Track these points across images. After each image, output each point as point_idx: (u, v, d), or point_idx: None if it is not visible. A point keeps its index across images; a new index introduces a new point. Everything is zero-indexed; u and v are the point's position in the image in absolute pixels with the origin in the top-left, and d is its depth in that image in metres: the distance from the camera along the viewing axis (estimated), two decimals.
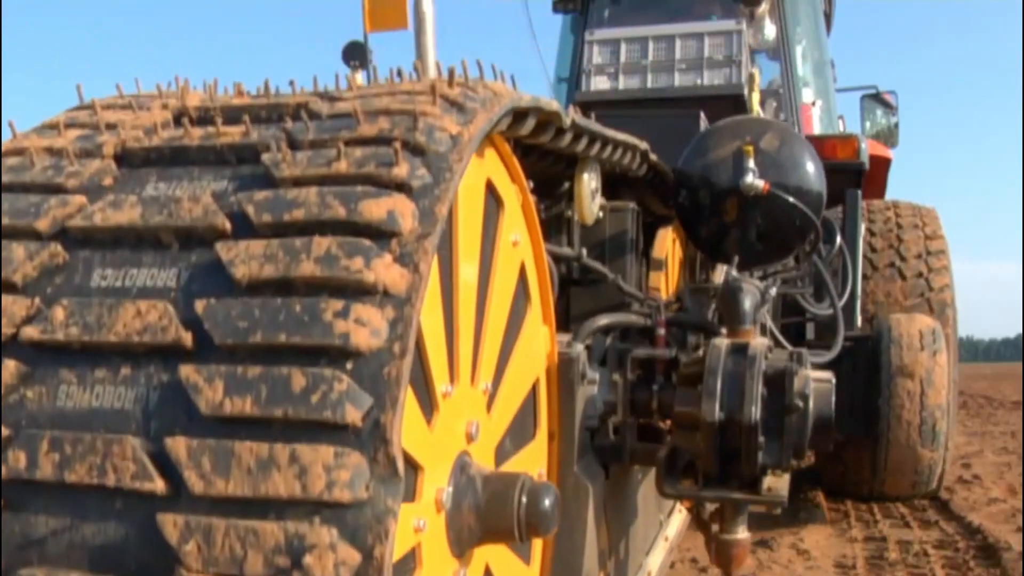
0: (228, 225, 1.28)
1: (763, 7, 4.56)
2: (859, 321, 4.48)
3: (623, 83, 4.31)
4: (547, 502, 1.50)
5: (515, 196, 1.77)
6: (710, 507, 2.32)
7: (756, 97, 3.49)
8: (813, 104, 5.34)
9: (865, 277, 4.71)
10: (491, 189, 1.65)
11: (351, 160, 1.30)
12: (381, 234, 1.22)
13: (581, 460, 1.94)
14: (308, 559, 1.12)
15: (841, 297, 3.97)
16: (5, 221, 1.36)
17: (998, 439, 8.81)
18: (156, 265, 1.30)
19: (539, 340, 1.87)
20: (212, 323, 1.22)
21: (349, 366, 1.17)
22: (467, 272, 1.51)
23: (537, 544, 1.88)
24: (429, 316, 1.37)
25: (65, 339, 1.27)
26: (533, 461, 1.84)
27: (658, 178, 2.62)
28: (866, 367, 4.28)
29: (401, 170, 1.27)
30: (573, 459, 1.86)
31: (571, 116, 1.82)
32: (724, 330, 2.18)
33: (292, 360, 1.19)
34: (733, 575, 2.24)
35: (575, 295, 2.29)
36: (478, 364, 1.59)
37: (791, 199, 2.72)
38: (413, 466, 1.35)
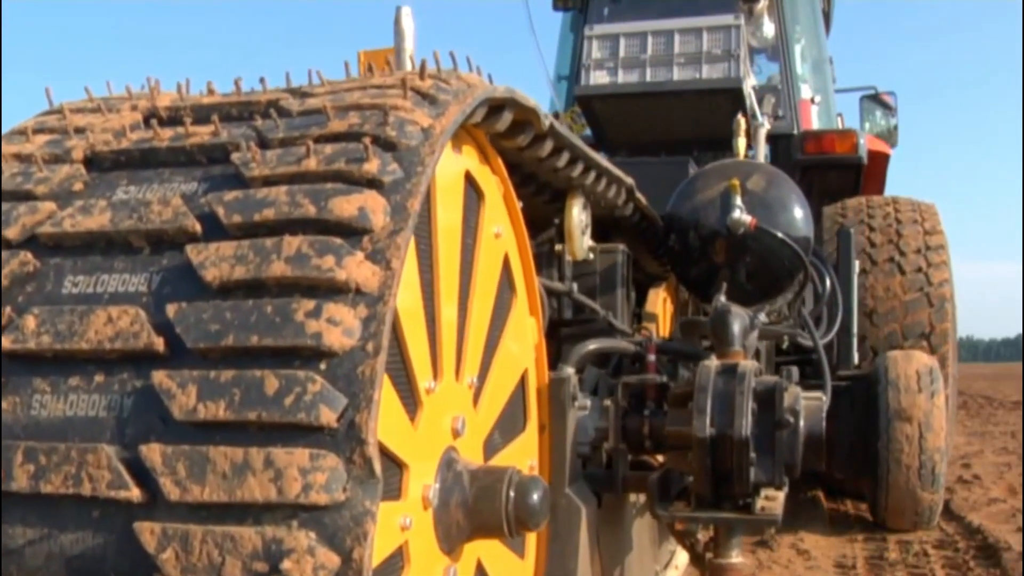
0: (198, 227, 1.26)
1: (762, 4, 4.48)
2: (856, 358, 4.40)
3: (622, 77, 4.27)
4: (536, 496, 1.48)
5: (496, 188, 1.74)
6: (703, 538, 2.28)
7: (742, 142, 3.45)
8: (812, 101, 5.33)
9: (864, 272, 4.66)
10: (471, 182, 1.62)
11: (321, 157, 1.27)
12: (352, 231, 1.20)
13: (573, 484, 1.91)
14: (286, 564, 1.11)
15: (831, 330, 3.97)
16: None
17: (998, 439, 8.80)
18: (127, 270, 1.28)
19: (526, 332, 1.84)
20: (184, 327, 1.19)
21: (323, 366, 1.15)
22: (447, 266, 1.49)
23: (531, 538, 1.85)
24: (409, 312, 1.35)
25: (37, 348, 1.25)
26: (524, 453, 1.81)
27: (645, 221, 2.62)
28: (864, 407, 4.17)
29: (371, 166, 1.25)
30: (565, 481, 1.84)
31: (549, 118, 1.78)
32: (714, 356, 2.16)
33: (265, 362, 1.17)
34: None
35: (566, 337, 2.26)
36: (463, 358, 1.56)
37: (779, 235, 2.73)
38: (397, 464, 1.33)
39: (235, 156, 1.31)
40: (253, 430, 1.15)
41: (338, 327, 1.14)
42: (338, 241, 1.19)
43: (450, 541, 1.47)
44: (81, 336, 1.23)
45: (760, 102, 4.32)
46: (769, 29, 4.72)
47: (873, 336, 4.57)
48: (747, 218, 2.71)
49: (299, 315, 1.16)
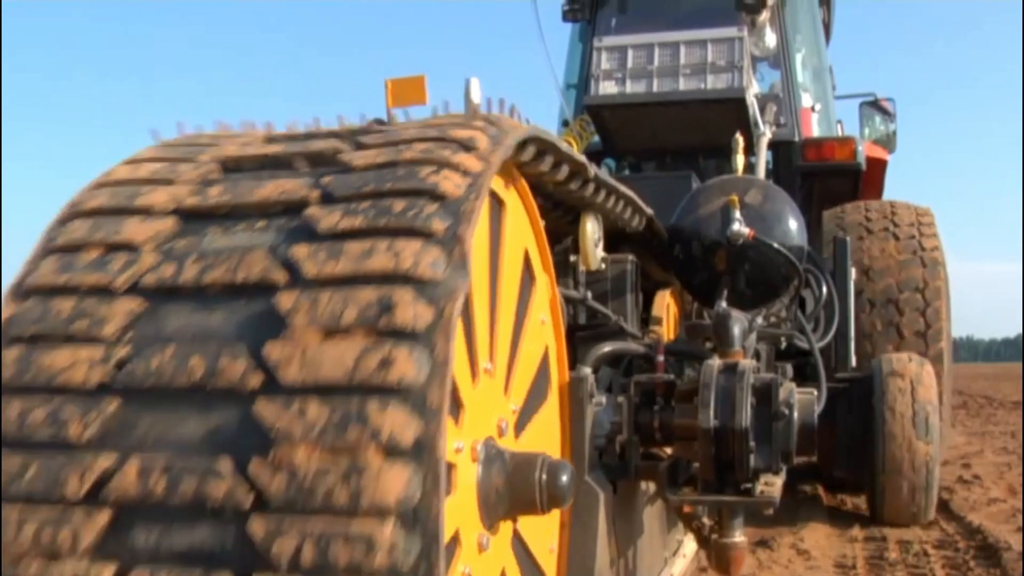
0: (284, 276, 1.35)
1: (764, 16, 4.65)
2: (853, 360, 4.58)
3: (630, 87, 4.41)
4: (565, 477, 1.60)
5: (514, 195, 1.84)
6: (708, 522, 2.46)
7: (740, 159, 3.58)
8: (812, 109, 5.46)
9: (863, 272, 4.85)
10: (494, 196, 1.70)
11: (382, 211, 1.38)
12: (416, 280, 1.31)
13: (591, 472, 2.08)
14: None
15: (828, 333, 4.17)
16: (91, 279, 1.41)
17: (998, 439, 8.81)
18: (224, 313, 1.35)
19: (544, 309, 1.98)
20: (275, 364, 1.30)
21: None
22: (481, 278, 1.59)
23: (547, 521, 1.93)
24: (477, 305, 1.53)
25: (156, 384, 1.30)
26: (550, 420, 1.99)
27: (652, 232, 2.83)
28: (860, 409, 4.39)
29: (431, 220, 1.36)
30: (584, 469, 1.98)
31: (593, 170, 2.05)
32: (716, 356, 2.37)
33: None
34: (729, 566, 2.31)
35: (581, 340, 2.44)
36: (512, 376, 1.74)
37: (775, 245, 2.93)
38: (459, 404, 1.42)
39: (307, 212, 1.42)
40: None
41: (410, 358, 1.26)
42: (407, 296, 1.30)
43: (488, 507, 1.54)
44: (187, 373, 1.31)
45: (762, 110, 4.45)
46: (771, 39, 4.93)
47: (871, 335, 4.77)
48: (745, 230, 2.92)
49: (373, 359, 1.28)
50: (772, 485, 2.28)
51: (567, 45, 5.75)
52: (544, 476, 1.57)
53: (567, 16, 5.49)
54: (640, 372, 2.48)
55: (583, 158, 2.04)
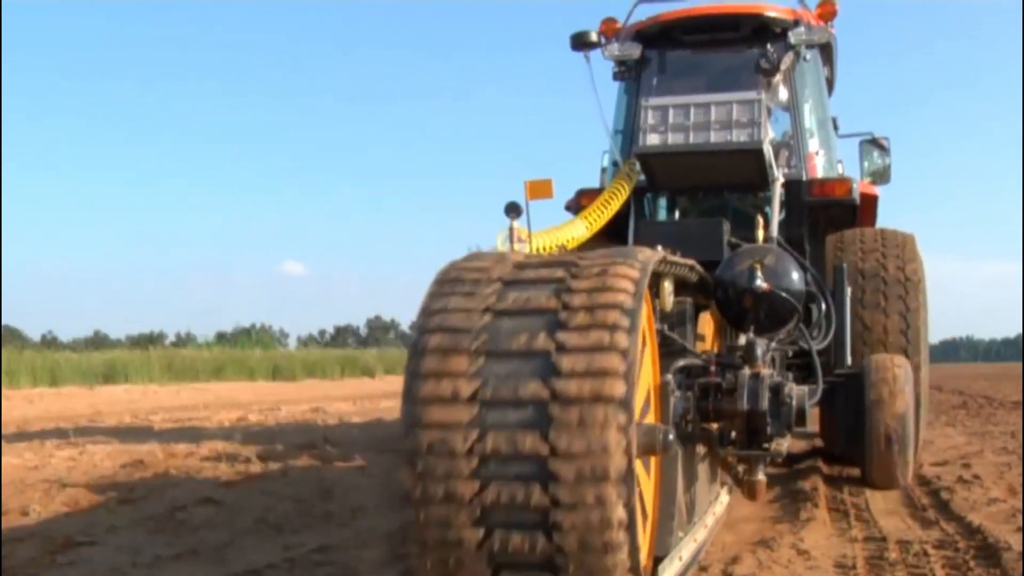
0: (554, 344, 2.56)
1: (778, 77, 5.83)
2: (848, 360, 5.72)
3: (671, 139, 5.44)
4: (671, 436, 2.68)
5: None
6: (741, 468, 3.90)
7: (761, 233, 4.97)
8: (816, 153, 6.53)
9: (858, 288, 6.09)
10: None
11: (597, 317, 2.54)
12: (618, 351, 2.48)
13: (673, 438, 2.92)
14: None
15: (827, 338, 5.27)
16: (465, 303, 2.67)
17: (998, 439, 8.80)
18: (528, 321, 2.61)
19: (649, 341, 3.12)
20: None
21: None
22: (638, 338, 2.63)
23: (653, 462, 3.05)
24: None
25: (498, 349, 2.57)
26: (653, 406, 3.10)
27: (702, 279, 4.00)
28: (854, 398, 5.65)
29: (617, 322, 2.52)
30: (669, 435, 2.74)
31: (698, 269, 3.72)
32: (747, 367, 3.59)
33: None
34: (756, 500, 4.00)
35: (661, 358, 3.39)
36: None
37: (783, 295, 4.21)
38: (630, 380, 2.45)
39: (559, 316, 2.58)
40: None
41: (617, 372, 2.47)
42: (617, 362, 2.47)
43: (638, 450, 2.55)
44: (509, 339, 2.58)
45: (776, 155, 5.55)
46: (783, 93, 6.19)
47: (863, 338, 6.01)
48: (764, 284, 4.16)
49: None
50: (780, 445, 3.60)
51: (615, 97, 6.85)
52: (660, 436, 2.64)
53: (617, 76, 6.59)
54: (699, 377, 3.59)
55: (682, 261, 3.46)
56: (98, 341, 50.13)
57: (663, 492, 3.21)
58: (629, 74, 6.51)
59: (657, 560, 3.06)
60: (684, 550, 3.43)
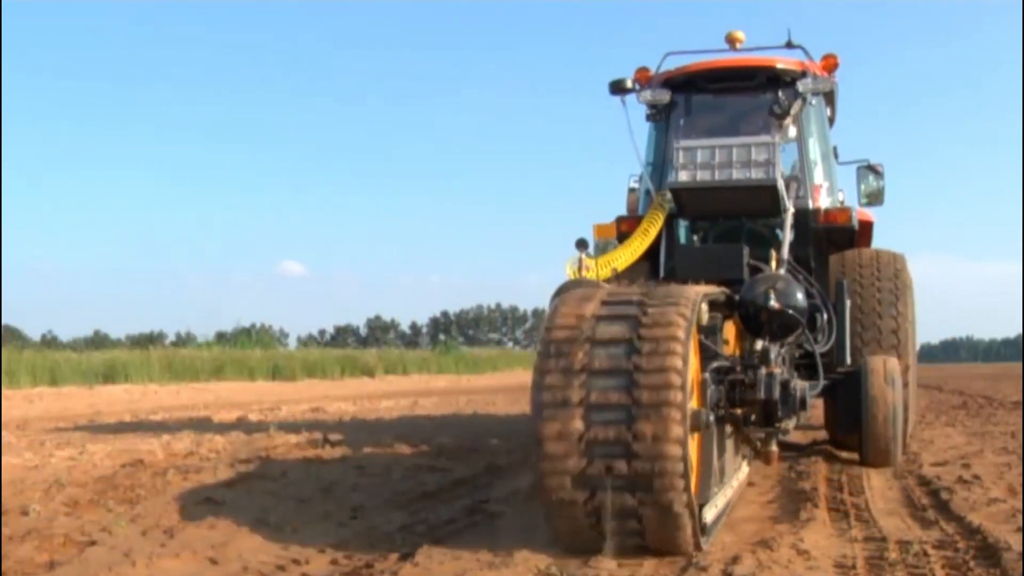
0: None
1: (788, 120, 7.05)
2: (848, 360, 6.91)
3: (699, 175, 6.47)
4: (711, 418, 4.04)
5: None
6: (759, 441, 5.30)
7: (775, 264, 6.24)
8: (820, 186, 7.62)
9: (856, 299, 7.22)
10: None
11: (659, 348, 3.79)
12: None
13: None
14: None
15: (829, 341, 6.69)
16: (579, 309, 3.97)
17: (998, 439, 8.80)
18: (621, 327, 3.96)
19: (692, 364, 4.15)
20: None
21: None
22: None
23: (696, 436, 4.17)
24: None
25: (603, 338, 3.90)
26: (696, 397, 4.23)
27: (729, 298, 5.19)
28: (853, 392, 6.64)
29: (675, 346, 3.76)
30: (709, 416, 3.96)
31: (727, 294, 5.12)
32: (763, 367, 4.79)
33: None
34: (771, 465, 5.52)
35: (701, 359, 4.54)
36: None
37: (790, 312, 5.26)
38: (684, 388, 3.71)
39: (634, 343, 3.81)
40: None
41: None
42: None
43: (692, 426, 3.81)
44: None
45: (787, 188, 6.75)
46: (792, 131, 7.28)
47: (860, 342, 7.12)
48: (776, 304, 5.20)
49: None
50: (788, 424, 5.04)
51: (646, 133, 7.89)
52: (703, 417, 3.90)
53: (649, 118, 7.67)
54: (728, 374, 4.73)
55: (717, 290, 4.83)
56: (98, 341, 50.21)
57: (703, 458, 4.33)
58: (660, 116, 7.54)
59: (700, 506, 4.06)
60: (719, 500, 4.65)
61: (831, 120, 8.32)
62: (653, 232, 6.68)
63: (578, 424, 3.69)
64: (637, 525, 3.75)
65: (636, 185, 8.00)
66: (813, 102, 7.50)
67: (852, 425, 6.75)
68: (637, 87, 7.47)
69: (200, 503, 5.14)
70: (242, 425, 10.86)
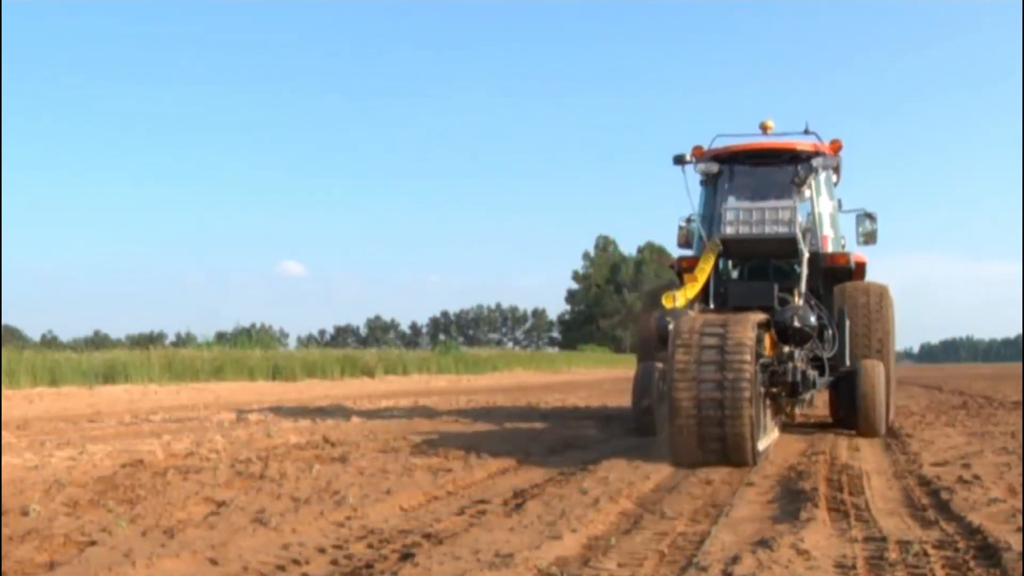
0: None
1: (804, 187, 10.17)
2: (847, 361, 9.65)
3: (741, 230, 9.17)
4: (763, 390, 7.55)
5: None
6: (787, 407, 9.11)
7: (798, 296, 9.22)
8: (827, 236, 10.55)
9: (852, 318, 9.86)
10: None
11: (737, 353, 6.98)
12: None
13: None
14: None
15: (833, 348, 9.57)
16: (688, 342, 7.03)
17: (998, 439, 8.80)
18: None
19: None
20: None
21: None
22: None
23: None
24: None
25: (687, 343, 7.24)
26: None
27: (768, 321, 7.58)
28: (851, 385, 9.50)
29: (745, 351, 6.95)
30: (760, 390, 6.52)
31: (767, 316, 8.38)
32: (790, 363, 8.07)
33: None
34: (794, 422, 10.40)
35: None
36: None
37: (807, 329, 8.10)
38: (751, 373, 6.86)
39: (723, 347, 6.98)
40: None
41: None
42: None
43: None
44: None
45: (804, 237, 9.38)
46: (807, 194, 10.29)
47: (856, 349, 9.81)
48: (798, 323, 7.88)
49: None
50: (805, 397, 8.73)
51: (698, 194, 10.86)
52: (757, 389, 6.69)
53: (703, 183, 10.70)
54: (769, 367, 7.49)
55: (764, 316, 7.88)
56: (98, 341, 50.22)
57: (756, 413, 6.79)
58: (710, 181, 10.65)
59: (755, 440, 6.61)
60: (763, 441, 7.36)
61: (836, 183, 11.11)
62: (708, 269, 9.04)
63: (694, 390, 6.68)
64: (722, 447, 6.71)
65: (684, 224, 11.04)
66: (823, 174, 10.54)
67: (850, 408, 9.59)
68: (693, 160, 10.40)
69: (200, 503, 5.14)
70: (242, 425, 10.86)
